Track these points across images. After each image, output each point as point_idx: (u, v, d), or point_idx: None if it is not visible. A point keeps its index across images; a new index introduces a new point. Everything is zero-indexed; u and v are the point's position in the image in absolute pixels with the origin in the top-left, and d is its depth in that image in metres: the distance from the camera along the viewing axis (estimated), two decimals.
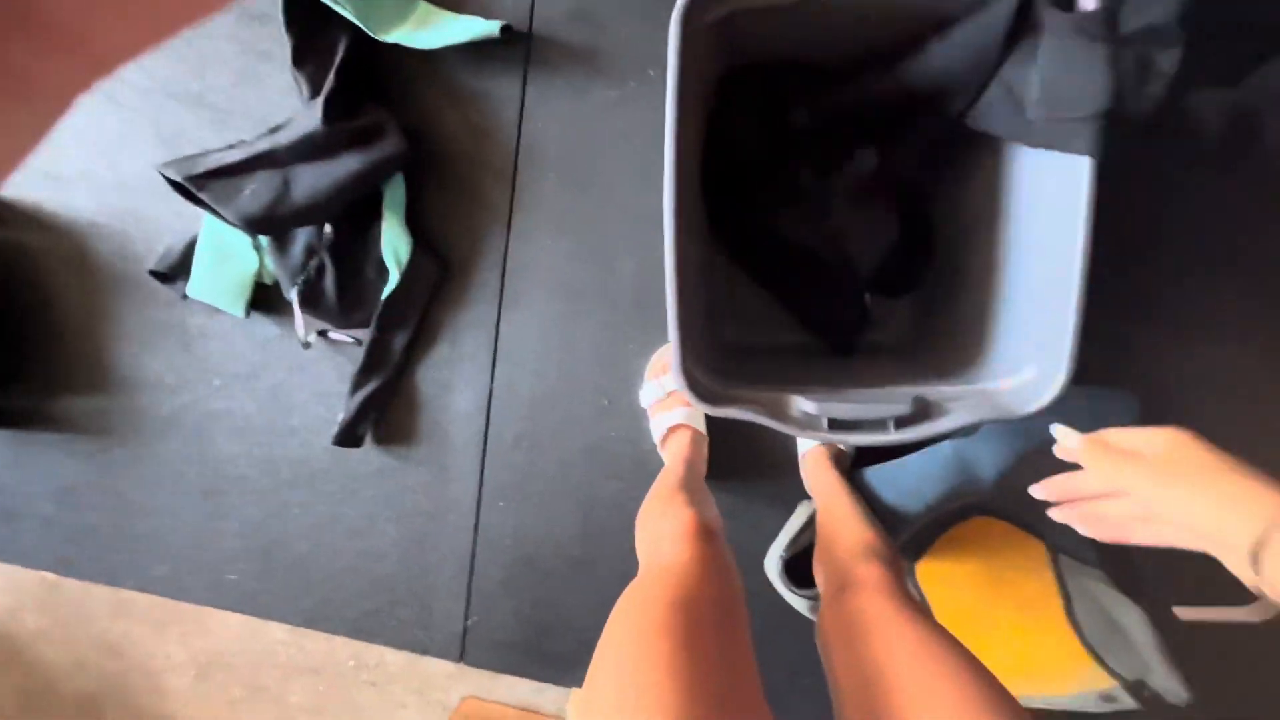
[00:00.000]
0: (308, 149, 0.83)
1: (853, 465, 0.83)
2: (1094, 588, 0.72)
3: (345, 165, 0.84)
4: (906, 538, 0.79)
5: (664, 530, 0.57)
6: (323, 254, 0.90)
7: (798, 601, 0.85)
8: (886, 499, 0.78)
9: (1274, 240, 0.74)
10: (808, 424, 0.58)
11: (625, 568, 0.91)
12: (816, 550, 0.71)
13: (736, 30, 0.61)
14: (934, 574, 0.79)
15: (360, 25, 0.82)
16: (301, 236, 0.91)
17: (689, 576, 0.48)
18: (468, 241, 0.92)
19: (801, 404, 0.58)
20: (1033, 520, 0.76)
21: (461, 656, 1.04)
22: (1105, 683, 0.67)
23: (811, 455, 0.84)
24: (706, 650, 0.40)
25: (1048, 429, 0.59)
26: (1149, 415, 0.71)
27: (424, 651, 1.06)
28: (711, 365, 0.62)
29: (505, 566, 1.00)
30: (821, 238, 0.80)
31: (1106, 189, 0.51)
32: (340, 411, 0.96)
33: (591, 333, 0.91)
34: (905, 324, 0.79)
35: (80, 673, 1.21)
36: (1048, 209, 0.58)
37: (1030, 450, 0.70)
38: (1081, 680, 0.68)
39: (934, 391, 0.59)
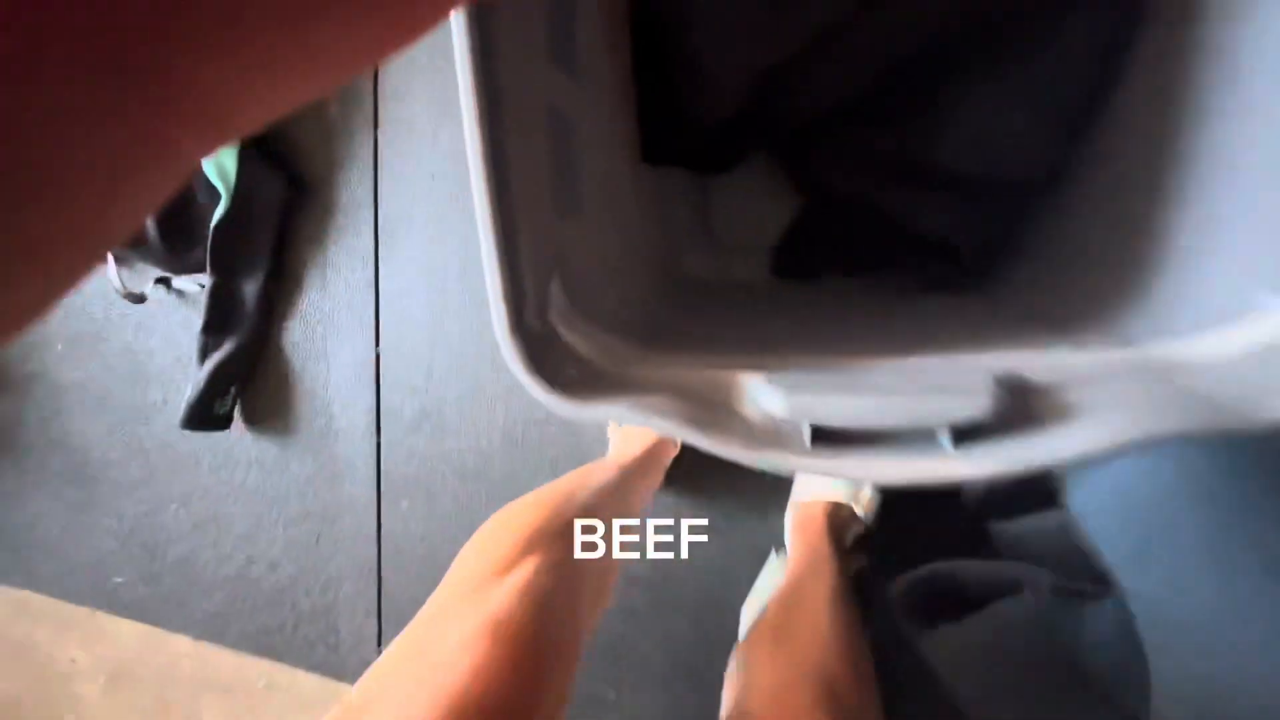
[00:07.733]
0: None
1: (869, 552, 0.52)
2: None
3: None
4: None
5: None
6: None
7: None
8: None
9: None
10: (767, 437, 0.26)
11: None
12: (756, 633, 0.44)
13: None
14: None
15: None
16: None
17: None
18: (323, 149, 0.64)
19: (761, 392, 0.27)
20: None
21: None
22: None
23: (804, 509, 0.53)
24: None
25: None
26: None
27: (338, 676, 0.86)
28: (619, 313, 0.33)
29: (420, 579, 0.77)
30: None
31: None
32: (188, 385, 0.73)
33: None
34: (971, 229, 0.47)
35: None
36: None
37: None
38: None
39: (1043, 362, 0.27)
